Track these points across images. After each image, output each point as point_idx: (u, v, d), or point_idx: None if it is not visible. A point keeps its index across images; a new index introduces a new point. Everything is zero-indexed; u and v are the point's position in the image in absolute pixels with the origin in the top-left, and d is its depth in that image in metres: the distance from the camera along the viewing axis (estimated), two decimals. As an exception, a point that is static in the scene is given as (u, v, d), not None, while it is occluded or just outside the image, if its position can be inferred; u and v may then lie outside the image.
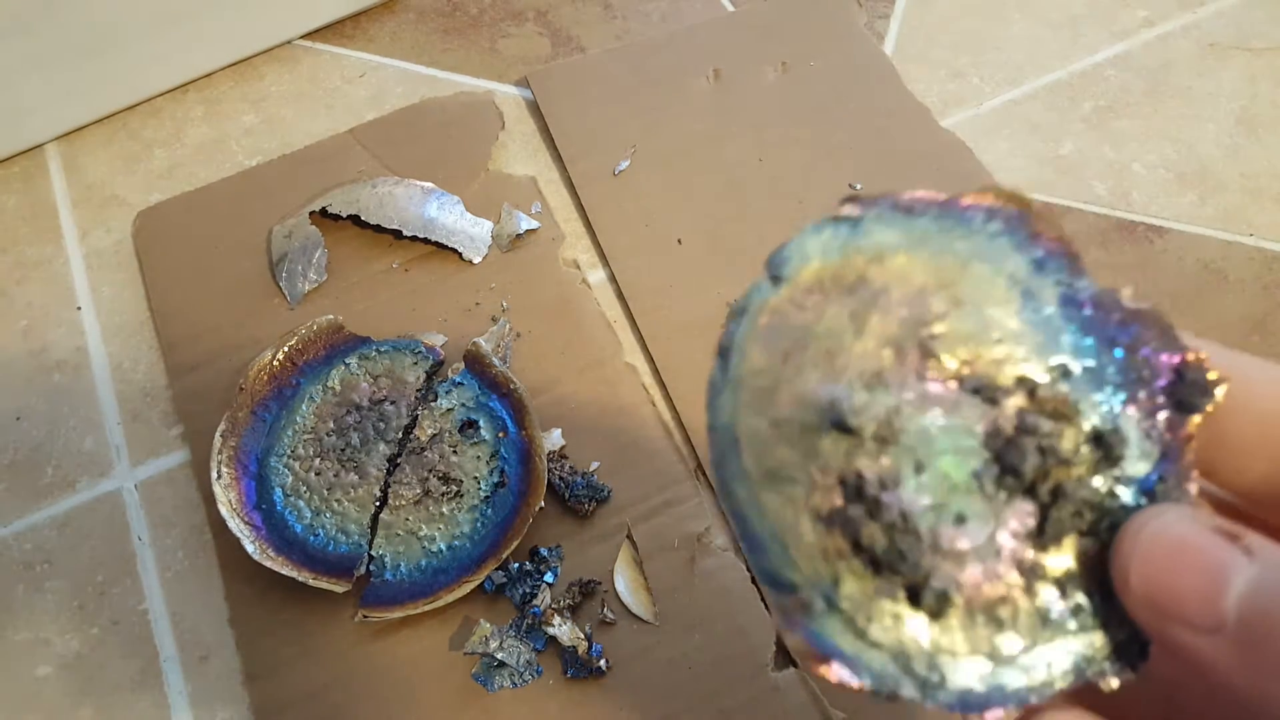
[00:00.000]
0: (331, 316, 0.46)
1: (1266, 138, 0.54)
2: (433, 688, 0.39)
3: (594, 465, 0.43)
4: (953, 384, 0.16)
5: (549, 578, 0.40)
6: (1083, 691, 0.16)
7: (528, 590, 0.40)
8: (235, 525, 0.40)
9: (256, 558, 0.39)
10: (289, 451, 0.43)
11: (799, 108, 0.54)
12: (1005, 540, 0.16)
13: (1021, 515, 0.16)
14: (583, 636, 0.39)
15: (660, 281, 0.48)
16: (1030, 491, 0.16)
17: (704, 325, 0.47)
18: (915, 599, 0.16)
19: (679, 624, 0.40)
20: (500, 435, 0.43)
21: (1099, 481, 0.16)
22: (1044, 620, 0.16)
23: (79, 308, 0.50)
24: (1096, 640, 0.16)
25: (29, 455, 0.45)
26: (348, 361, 0.45)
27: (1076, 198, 0.52)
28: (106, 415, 0.46)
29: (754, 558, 0.16)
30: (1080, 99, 0.56)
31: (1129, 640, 0.16)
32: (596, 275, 0.50)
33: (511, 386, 0.43)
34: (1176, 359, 0.16)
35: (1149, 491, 0.16)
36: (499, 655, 0.38)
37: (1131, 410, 0.16)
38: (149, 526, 0.43)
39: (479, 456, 0.42)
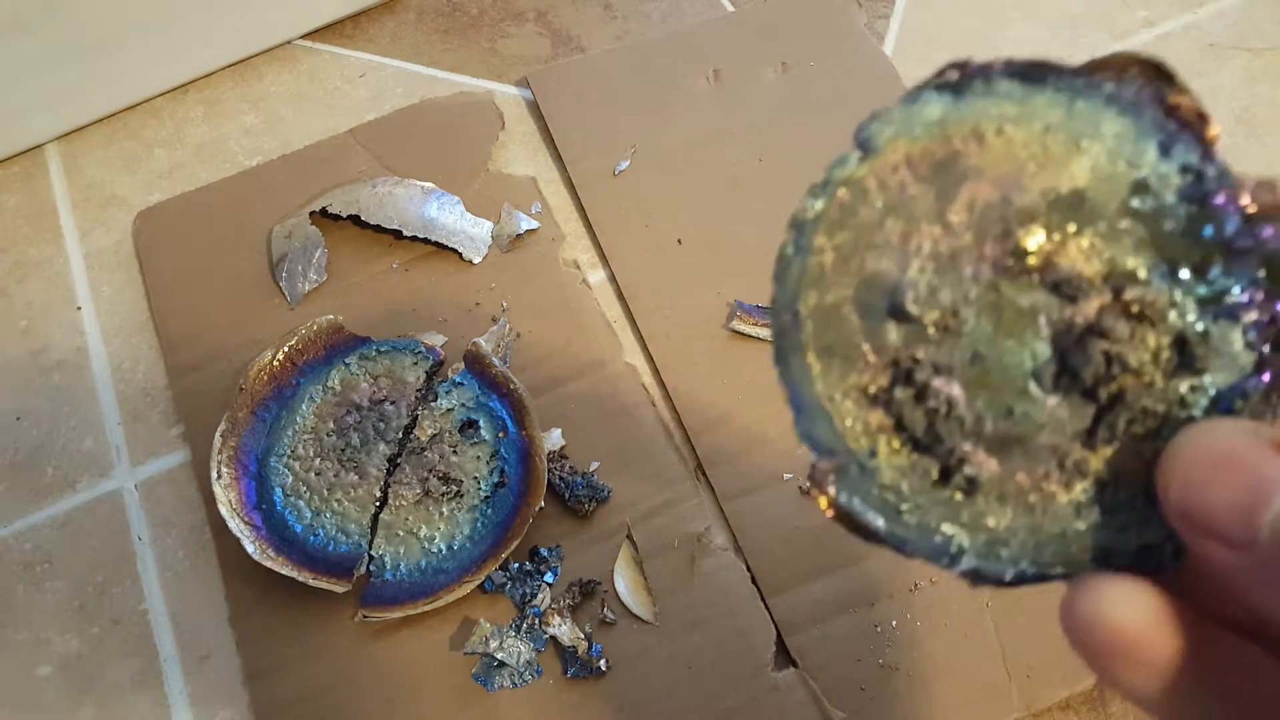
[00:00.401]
0: (331, 316, 0.46)
1: (1266, 138, 0.54)
2: (433, 688, 0.39)
3: (594, 465, 0.43)
4: (1032, 277, 0.16)
5: (549, 578, 0.40)
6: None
7: (528, 590, 0.40)
8: (235, 525, 0.40)
9: (256, 558, 0.39)
10: (289, 451, 0.43)
11: (799, 108, 0.54)
12: (1050, 437, 0.16)
13: (1075, 415, 0.16)
14: (583, 636, 0.39)
15: (660, 281, 0.48)
16: (1089, 394, 0.16)
17: (704, 325, 0.47)
18: (946, 478, 0.16)
19: (679, 624, 0.40)
20: (500, 435, 0.43)
21: (1170, 390, 0.16)
22: (1076, 511, 0.16)
23: (79, 308, 0.50)
24: (1130, 536, 0.16)
25: (29, 455, 0.45)
26: (348, 361, 0.45)
27: (1076, 198, 0.52)
28: (106, 415, 0.46)
29: (798, 419, 0.16)
30: (1080, 99, 0.56)
31: (1166, 540, 0.16)
32: (596, 275, 0.50)
33: (511, 386, 0.43)
34: None
35: (1227, 408, 0.15)
36: (499, 655, 0.38)
37: (1235, 316, 0.15)
38: (149, 526, 0.43)
39: (479, 456, 0.42)
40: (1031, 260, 0.16)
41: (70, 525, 0.43)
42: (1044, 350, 0.16)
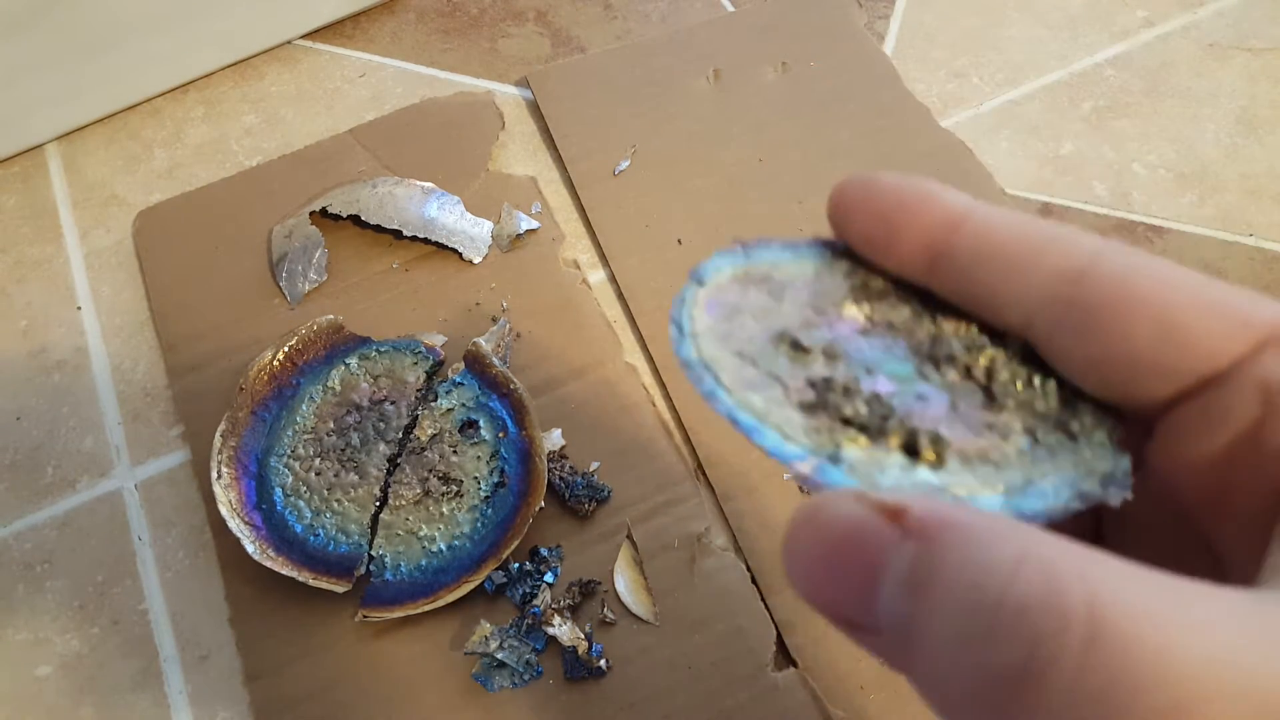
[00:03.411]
0: (331, 316, 0.46)
1: (1266, 138, 0.54)
2: (433, 688, 0.39)
3: (594, 465, 0.43)
4: (869, 324, 0.19)
5: (549, 578, 0.40)
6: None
7: (528, 590, 0.40)
8: (235, 525, 0.40)
9: (256, 558, 0.39)
10: (289, 451, 0.43)
11: (799, 108, 0.54)
12: (965, 410, 0.18)
13: (969, 393, 0.18)
14: (583, 636, 0.39)
15: (660, 281, 0.48)
16: (968, 376, 0.18)
17: (704, 325, 0.47)
18: (913, 452, 0.17)
19: (679, 624, 0.40)
20: (500, 435, 0.43)
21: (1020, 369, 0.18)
22: (1032, 460, 0.17)
23: (79, 308, 0.50)
24: (1086, 467, 0.17)
25: (29, 455, 0.45)
26: (348, 361, 0.45)
27: (1076, 198, 0.52)
28: (106, 415, 0.46)
29: (755, 440, 0.18)
30: (1080, 99, 0.56)
31: (1112, 468, 0.17)
32: (596, 275, 0.50)
33: (511, 386, 0.43)
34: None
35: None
36: (499, 655, 0.38)
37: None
38: (149, 526, 0.43)
39: (479, 456, 0.42)
40: (866, 317, 0.19)
41: (70, 525, 0.43)
42: (913, 359, 0.19)
